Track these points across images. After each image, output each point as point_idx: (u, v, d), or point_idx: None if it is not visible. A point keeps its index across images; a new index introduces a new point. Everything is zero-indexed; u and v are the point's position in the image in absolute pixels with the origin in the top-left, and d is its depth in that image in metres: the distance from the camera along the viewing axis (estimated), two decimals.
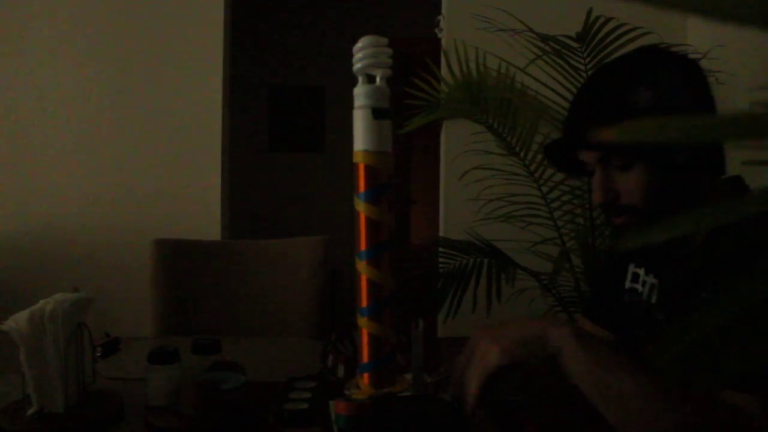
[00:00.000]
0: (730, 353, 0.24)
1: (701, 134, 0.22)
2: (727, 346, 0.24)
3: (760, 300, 0.24)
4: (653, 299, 0.94)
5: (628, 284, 1.01)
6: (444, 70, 1.99)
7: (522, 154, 1.83)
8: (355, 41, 0.78)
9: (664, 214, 0.86)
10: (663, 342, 0.25)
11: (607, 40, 1.62)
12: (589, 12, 1.57)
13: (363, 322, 0.79)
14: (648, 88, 0.82)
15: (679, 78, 0.84)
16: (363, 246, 0.78)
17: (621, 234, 0.91)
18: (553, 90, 1.78)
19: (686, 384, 0.25)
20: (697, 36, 2.28)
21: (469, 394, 0.75)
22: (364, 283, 0.78)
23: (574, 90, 1.72)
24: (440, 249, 1.83)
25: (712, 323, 0.24)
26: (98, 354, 1.17)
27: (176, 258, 1.67)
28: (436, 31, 2.38)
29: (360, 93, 0.77)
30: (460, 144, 2.07)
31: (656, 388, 0.69)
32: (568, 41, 1.65)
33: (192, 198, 2.45)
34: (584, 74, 1.69)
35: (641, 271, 0.98)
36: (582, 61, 1.68)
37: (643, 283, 0.97)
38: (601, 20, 1.56)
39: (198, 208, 2.45)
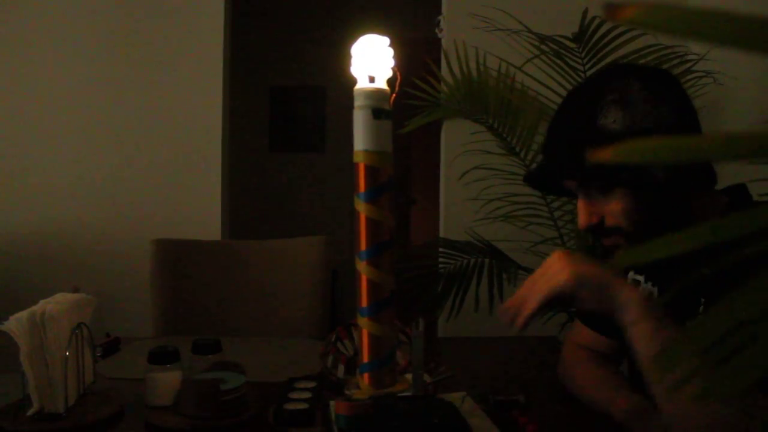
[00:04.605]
0: (736, 361, 0.24)
1: (694, 154, 0.22)
2: (733, 354, 0.24)
3: (764, 309, 0.24)
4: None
5: None
6: (444, 70, 1.99)
7: (522, 154, 1.83)
8: (355, 41, 0.78)
9: (652, 234, 0.85)
10: (669, 351, 0.24)
11: (604, 41, 1.61)
12: (585, 12, 1.57)
13: (363, 322, 0.79)
14: (618, 108, 0.81)
15: (651, 94, 0.82)
16: (363, 246, 0.78)
17: (611, 254, 0.90)
18: (553, 90, 1.78)
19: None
20: None
21: (527, 306, 0.76)
22: (364, 283, 0.78)
23: None
24: (440, 249, 1.83)
25: (716, 332, 0.24)
26: (98, 354, 1.17)
27: (176, 258, 1.67)
28: (436, 31, 2.38)
29: (360, 93, 0.77)
30: (460, 144, 2.07)
31: None
32: (565, 42, 1.65)
33: (192, 198, 2.45)
34: (583, 74, 1.69)
35: (641, 278, 0.98)
36: (580, 61, 1.67)
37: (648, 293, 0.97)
38: (597, 21, 1.56)
39: (198, 208, 2.45)
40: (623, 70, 0.90)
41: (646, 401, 0.81)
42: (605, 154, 0.22)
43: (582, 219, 0.86)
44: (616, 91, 0.82)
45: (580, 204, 0.87)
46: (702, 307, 0.82)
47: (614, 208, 0.83)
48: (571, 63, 1.69)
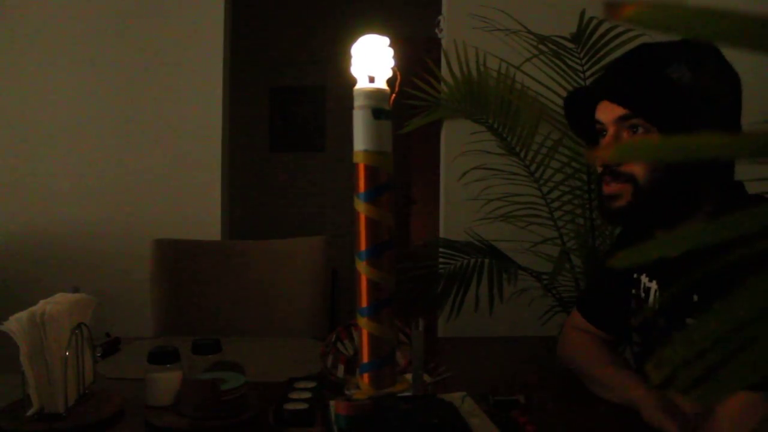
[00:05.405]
0: (733, 363, 0.24)
1: (694, 153, 0.22)
2: (730, 356, 0.24)
3: (763, 309, 0.24)
4: (656, 305, 0.94)
5: (634, 291, 1.01)
6: (444, 70, 1.99)
7: (522, 154, 1.83)
8: (355, 41, 0.78)
9: (658, 198, 0.87)
10: (663, 353, 0.24)
11: (603, 41, 1.61)
12: (582, 13, 1.57)
13: (363, 322, 0.78)
14: (688, 67, 0.84)
15: (719, 73, 0.87)
16: (363, 246, 0.77)
17: (606, 204, 0.91)
18: (552, 91, 1.77)
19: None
20: None
21: None
22: (364, 283, 0.78)
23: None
24: (440, 249, 1.83)
25: (715, 333, 0.24)
26: (98, 354, 1.17)
27: (176, 258, 1.67)
28: (436, 31, 2.38)
29: (360, 93, 0.77)
30: (460, 144, 2.07)
31: None
32: (564, 42, 1.64)
33: (192, 198, 2.45)
34: (582, 75, 1.69)
35: (644, 277, 0.99)
36: (579, 62, 1.67)
37: (647, 290, 0.97)
38: (595, 21, 1.56)
39: (198, 208, 2.45)
40: (701, 41, 0.94)
41: (671, 397, 0.81)
42: (604, 154, 0.21)
43: None
44: (692, 53, 0.86)
45: (606, 140, 0.91)
46: (696, 304, 0.83)
47: None
48: (570, 63, 1.68)
